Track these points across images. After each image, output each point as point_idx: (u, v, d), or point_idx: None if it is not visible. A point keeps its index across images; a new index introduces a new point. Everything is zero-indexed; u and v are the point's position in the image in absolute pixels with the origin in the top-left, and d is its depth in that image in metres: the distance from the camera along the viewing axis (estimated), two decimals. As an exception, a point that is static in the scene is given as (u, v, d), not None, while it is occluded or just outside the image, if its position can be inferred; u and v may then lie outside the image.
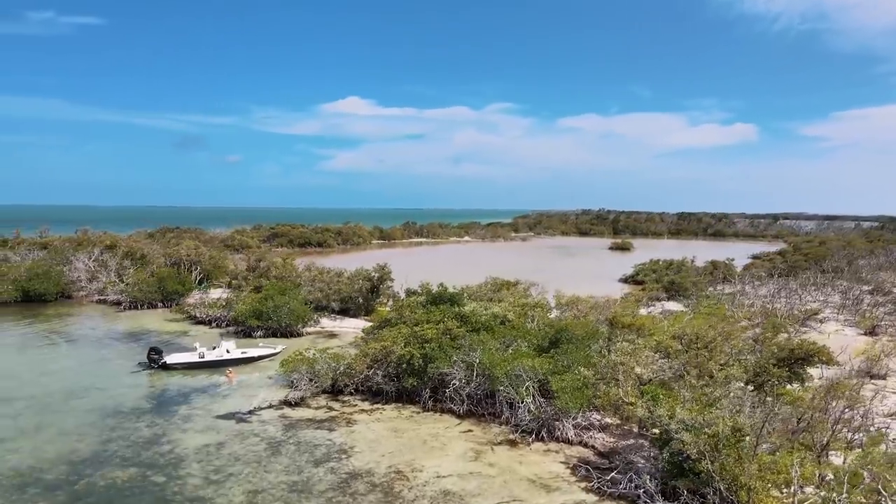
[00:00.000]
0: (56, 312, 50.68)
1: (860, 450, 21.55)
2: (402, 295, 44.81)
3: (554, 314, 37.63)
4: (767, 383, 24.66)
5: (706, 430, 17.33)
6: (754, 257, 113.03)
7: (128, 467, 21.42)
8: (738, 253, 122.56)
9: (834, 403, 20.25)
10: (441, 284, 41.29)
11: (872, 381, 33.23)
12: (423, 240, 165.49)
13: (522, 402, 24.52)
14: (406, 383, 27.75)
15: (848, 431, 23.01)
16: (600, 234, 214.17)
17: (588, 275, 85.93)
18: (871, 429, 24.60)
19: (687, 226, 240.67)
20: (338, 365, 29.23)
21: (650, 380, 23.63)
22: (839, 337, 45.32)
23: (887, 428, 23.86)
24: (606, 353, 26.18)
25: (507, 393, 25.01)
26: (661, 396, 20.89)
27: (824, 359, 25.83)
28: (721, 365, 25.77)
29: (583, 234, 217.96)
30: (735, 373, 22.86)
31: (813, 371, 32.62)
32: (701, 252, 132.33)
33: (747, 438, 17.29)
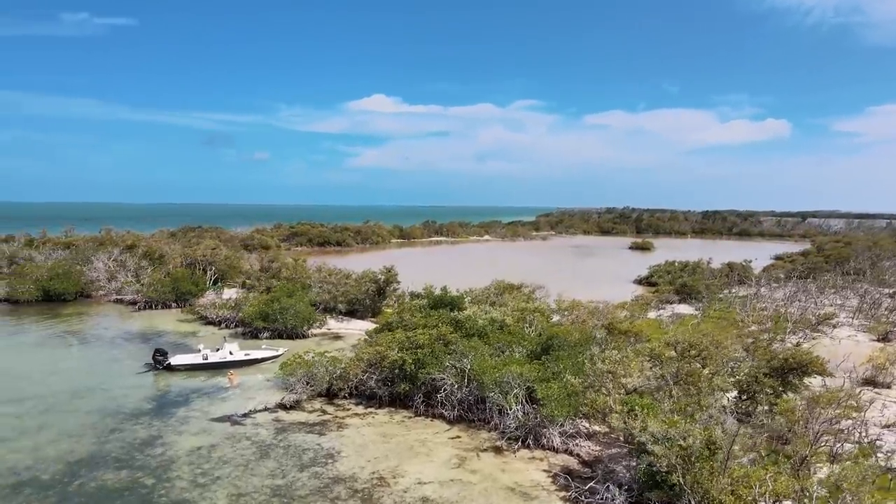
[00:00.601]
0: (74, 312, 52.03)
1: (849, 462, 21.34)
2: (408, 297, 45.12)
3: (556, 319, 37.59)
4: (759, 394, 24.44)
5: (678, 442, 17.30)
6: (776, 258, 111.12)
7: (120, 469, 22.05)
8: (763, 253, 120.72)
9: (815, 416, 19.99)
10: (444, 288, 41.59)
11: (876, 389, 32.68)
12: (443, 239, 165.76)
13: (510, 410, 24.65)
14: (399, 388, 28.06)
15: (837, 443, 22.78)
16: (622, 233, 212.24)
17: (603, 276, 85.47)
18: (865, 440, 24.29)
19: (711, 225, 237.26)
20: (334, 369, 29.65)
21: (635, 389, 23.56)
22: (850, 343, 44.54)
23: (877, 439, 23.48)
24: (596, 361, 26.09)
25: (496, 399, 25.16)
26: (639, 407, 20.85)
27: (816, 369, 25.40)
28: (711, 374, 25.61)
29: (605, 232, 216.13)
30: (720, 383, 22.68)
31: (813, 381, 32.28)
32: (724, 252, 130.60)
33: (721, 452, 17.22)
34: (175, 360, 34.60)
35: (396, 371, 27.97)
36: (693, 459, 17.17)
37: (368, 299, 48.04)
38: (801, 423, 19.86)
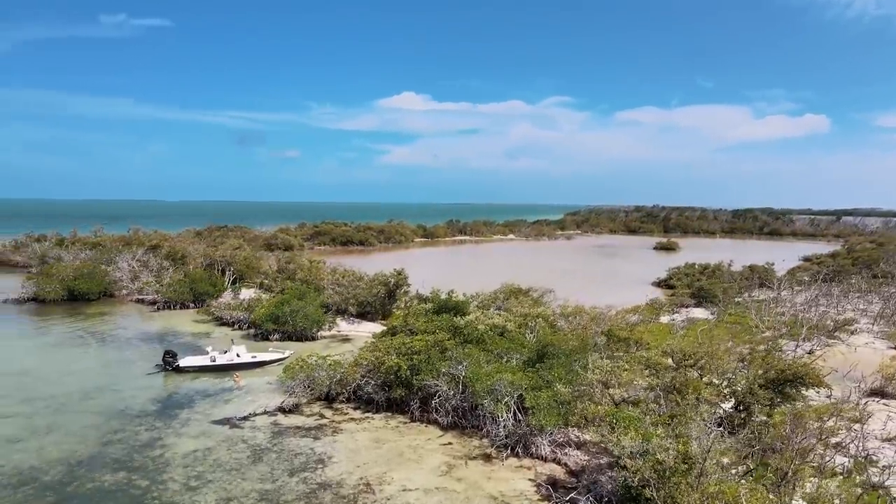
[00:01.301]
0: (96, 311, 53.56)
1: (832, 478, 21.04)
2: (415, 301, 45.44)
3: (561, 324, 37.53)
4: (753, 406, 24.19)
5: (653, 456, 17.30)
6: (805, 259, 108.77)
7: (118, 471, 22.81)
8: (793, 254, 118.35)
9: (800, 430, 19.74)
10: (450, 292, 41.83)
11: (884, 401, 31.98)
12: (467, 238, 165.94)
13: (500, 418, 24.81)
14: (395, 394, 28.41)
15: (829, 456, 22.43)
16: (650, 232, 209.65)
17: (623, 277, 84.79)
18: (862, 454, 23.87)
19: (741, 224, 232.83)
20: (334, 373, 30.13)
21: (623, 399, 23.50)
22: (867, 350, 43.60)
23: (869, 454, 23.05)
24: (587, 370, 26.07)
25: (487, 407, 25.34)
26: (620, 419, 20.83)
27: (812, 381, 25.00)
28: (706, 384, 25.40)
29: (632, 232, 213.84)
30: (707, 395, 22.50)
31: (818, 392, 31.74)
32: (752, 253, 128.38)
33: (698, 466, 17.16)
34: (184, 361, 35.47)
35: (392, 377, 28.31)
36: (667, 474, 17.14)
37: (378, 302, 48.50)
38: (784, 437, 19.62)
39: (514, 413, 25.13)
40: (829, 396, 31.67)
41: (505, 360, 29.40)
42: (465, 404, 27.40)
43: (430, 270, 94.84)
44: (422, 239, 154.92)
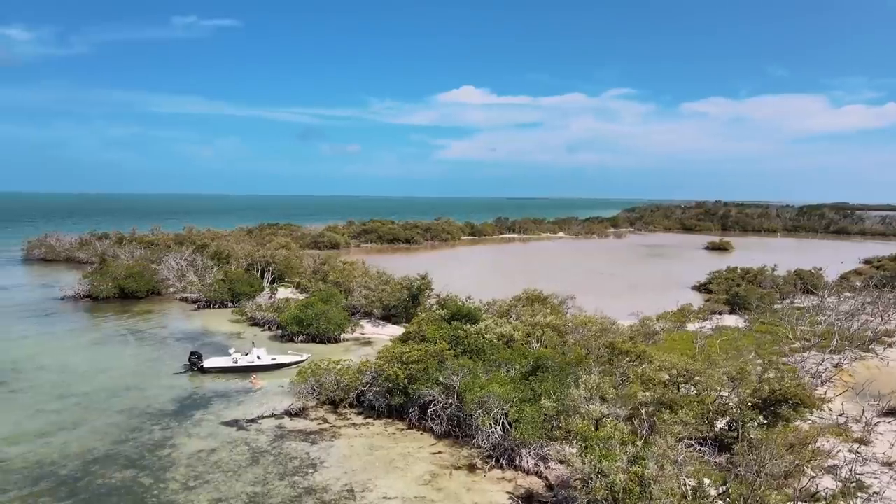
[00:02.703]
0: (141, 310, 56.80)
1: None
2: (436, 307, 46.28)
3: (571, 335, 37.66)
4: (738, 426, 24.01)
5: (607, 478, 17.65)
6: (865, 262, 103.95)
7: (127, 468, 24.62)
8: (856, 255, 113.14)
9: (768, 454, 19.61)
10: (468, 297, 42.56)
11: None
12: (515, 236, 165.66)
13: (488, 429, 25.41)
14: (394, 401, 29.41)
15: (815, 480, 22.11)
16: (707, 230, 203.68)
17: (663, 280, 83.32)
18: (855, 478, 23.35)
19: (806, 222, 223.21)
20: (341, 378, 31.38)
21: (604, 416, 23.72)
22: (901, 366, 41.82)
23: (855, 480, 22.51)
24: (577, 384, 26.33)
25: (476, 419, 25.99)
26: (591, 437, 21.11)
27: (802, 402, 24.56)
28: (693, 401, 25.32)
29: (687, 230, 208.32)
30: (684, 416, 22.49)
31: (828, 409, 30.94)
32: (812, 253, 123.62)
33: (648, 490, 17.41)
34: (208, 362, 37.47)
35: (390, 385, 29.30)
36: (620, 496, 17.48)
37: (402, 306, 49.62)
38: (749, 462, 19.54)
39: (503, 425, 25.70)
40: (840, 415, 30.88)
41: (504, 371, 29.91)
42: (460, 414, 28.12)
43: (471, 269, 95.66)
44: (469, 237, 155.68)
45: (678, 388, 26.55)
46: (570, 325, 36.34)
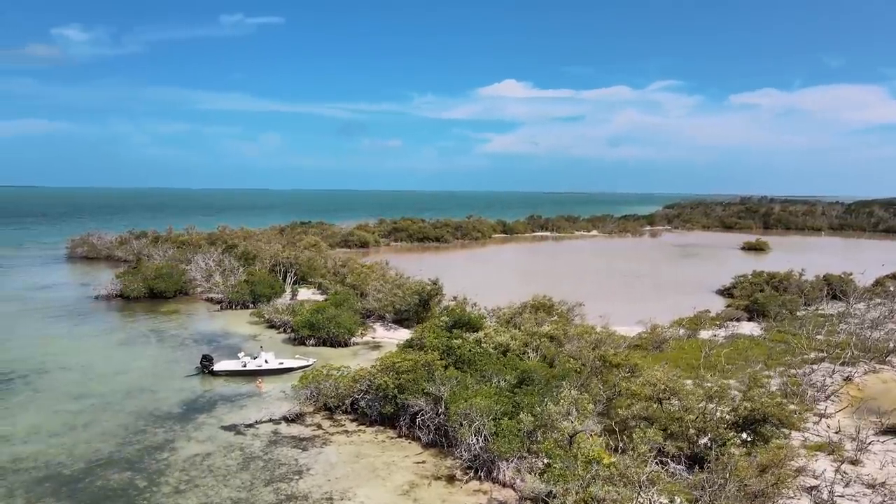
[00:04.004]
0: (168, 310, 59.10)
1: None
2: (444, 312, 46.93)
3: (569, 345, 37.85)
4: (712, 445, 24.04)
5: (555, 499, 18.09)
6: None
7: (126, 470, 26.04)
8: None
9: (735, 473, 19.72)
10: (474, 304, 43.11)
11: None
12: (547, 234, 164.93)
13: (468, 441, 25.99)
14: (384, 410, 30.24)
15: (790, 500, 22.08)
16: (747, 229, 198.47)
17: (689, 283, 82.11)
18: (832, 501, 23.20)
19: (853, 220, 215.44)
20: (338, 385, 32.37)
21: (577, 432, 24.03)
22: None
23: (840, 497, 22.37)
24: (563, 399, 26.68)
25: (458, 431, 26.59)
26: (553, 454, 21.50)
27: (780, 421, 24.40)
28: (676, 419, 25.41)
29: (727, 228, 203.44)
30: (651, 435, 22.63)
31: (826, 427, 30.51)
32: (856, 254, 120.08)
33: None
34: (218, 366, 38.98)
35: (381, 394, 30.14)
36: (571, 517, 17.90)
37: (413, 310, 50.45)
38: (713, 483, 19.69)
39: (486, 437, 26.24)
40: (836, 432, 30.40)
41: (494, 382, 30.41)
42: (447, 424, 28.76)
43: (494, 270, 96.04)
44: (501, 235, 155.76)
45: (661, 404, 26.65)
46: (569, 334, 36.51)
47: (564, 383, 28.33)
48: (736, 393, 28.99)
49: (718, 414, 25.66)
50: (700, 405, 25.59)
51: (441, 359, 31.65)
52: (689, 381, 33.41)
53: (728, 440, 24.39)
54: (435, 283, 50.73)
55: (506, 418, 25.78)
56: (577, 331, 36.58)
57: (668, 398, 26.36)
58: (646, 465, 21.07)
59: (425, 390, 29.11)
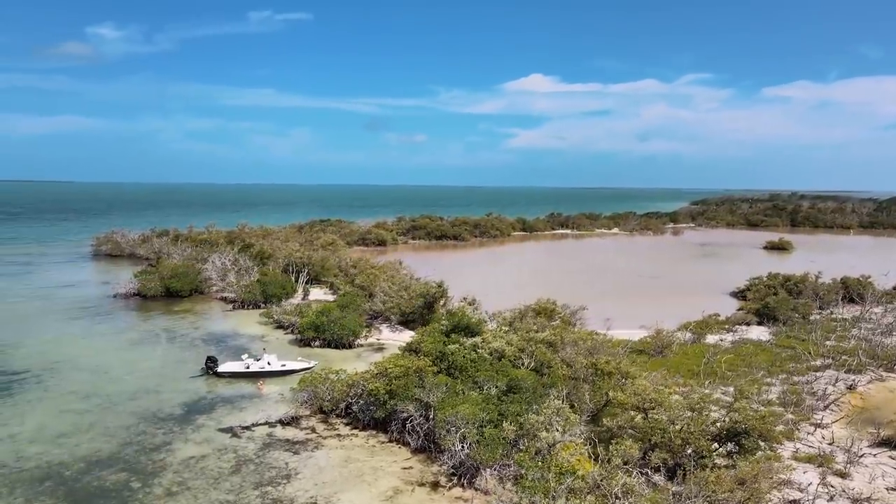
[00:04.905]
0: (182, 309, 60.47)
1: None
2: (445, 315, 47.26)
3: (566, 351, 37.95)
4: (688, 458, 24.07)
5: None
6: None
7: (123, 471, 26.91)
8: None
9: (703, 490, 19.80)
10: (475, 308, 43.36)
11: (892, 452, 29.64)
12: (568, 232, 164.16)
13: (454, 447, 26.37)
14: (376, 414, 30.77)
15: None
16: (773, 226, 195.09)
17: (703, 285, 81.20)
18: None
19: (885, 217, 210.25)
20: (334, 389, 33.00)
21: (556, 443, 24.25)
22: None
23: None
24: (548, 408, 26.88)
25: (442, 437, 26.98)
26: (526, 466, 21.75)
27: (761, 434, 24.30)
28: (659, 430, 25.47)
29: (752, 226, 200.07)
30: (626, 447, 22.74)
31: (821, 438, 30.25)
32: (887, 254, 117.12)
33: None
34: (222, 367, 39.90)
35: (373, 399, 30.66)
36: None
37: (418, 313, 50.91)
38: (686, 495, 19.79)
39: (470, 444, 26.59)
40: (830, 443, 30.09)
41: (485, 388, 30.73)
42: (436, 430, 29.16)
43: (507, 269, 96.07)
44: (520, 232, 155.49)
45: (646, 414, 26.72)
46: (566, 340, 36.65)
47: (552, 392, 28.51)
48: (728, 402, 28.88)
49: (702, 426, 25.61)
50: (685, 416, 25.59)
51: (434, 364, 32.04)
52: (685, 389, 33.36)
53: (710, 453, 24.39)
54: (440, 286, 51.11)
55: (491, 426, 26.09)
56: (573, 337, 36.66)
57: (654, 408, 26.38)
58: (619, 477, 21.25)
59: (415, 396, 29.53)
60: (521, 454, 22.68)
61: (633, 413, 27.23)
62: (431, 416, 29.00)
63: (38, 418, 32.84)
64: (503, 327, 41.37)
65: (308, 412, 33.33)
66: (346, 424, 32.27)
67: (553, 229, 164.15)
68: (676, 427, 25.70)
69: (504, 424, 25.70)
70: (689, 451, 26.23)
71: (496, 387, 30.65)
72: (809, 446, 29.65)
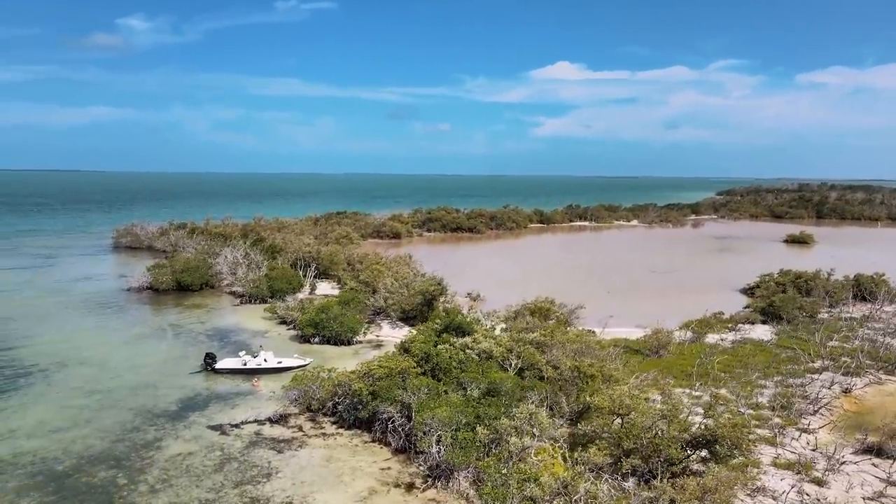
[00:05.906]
0: (191, 303, 61.76)
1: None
2: (443, 312, 47.62)
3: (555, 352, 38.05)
4: (658, 464, 24.17)
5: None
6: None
7: (112, 468, 27.87)
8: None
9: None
10: (471, 307, 43.61)
11: (876, 460, 29.23)
12: (586, 223, 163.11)
13: (430, 449, 26.83)
14: (360, 415, 31.33)
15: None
16: (798, 218, 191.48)
17: (716, 281, 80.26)
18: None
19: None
20: (321, 388, 33.65)
21: (526, 448, 24.51)
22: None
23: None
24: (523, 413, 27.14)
25: (419, 439, 27.44)
26: (490, 472, 22.07)
27: (731, 443, 24.26)
28: (633, 436, 25.59)
29: (777, 218, 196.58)
30: (591, 454, 22.91)
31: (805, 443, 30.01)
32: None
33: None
34: (220, 364, 40.82)
35: (356, 399, 31.22)
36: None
37: (417, 310, 51.35)
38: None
39: (445, 447, 27.00)
40: (814, 449, 29.86)
41: (468, 390, 31.07)
42: (417, 431, 29.63)
43: (517, 263, 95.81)
44: (537, 225, 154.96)
45: (622, 420, 26.84)
46: (555, 341, 36.77)
47: (530, 395, 28.76)
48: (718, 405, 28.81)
49: (674, 433, 25.66)
50: (658, 423, 25.66)
51: (419, 366, 32.48)
52: (668, 392, 33.32)
53: (680, 460, 24.48)
54: (439, 284, 51.47)
55: (467, 429, 26.46)
56: (562, 338, 36.76)
57: (629, 413, 26.48)
58: (582, 484, 21.48)
59: (397, 398, 30.00)
60: (486, 460, 23.01)
61: (611, 418, 27.37)
62: (414, 417, 29.47)
63: (39, 414, 34.03)
64: (495, 327, 41.63)
65: (297, 410, 34.05)
66: (333, 423, 32.88)
67: (570, 221, 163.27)
68: (650, 434, 25.79)
69: (478, 428, 26.03)
70: (661, 458, 26.37)
71: (478, 389, 31.00)
72: (792, 452, 29.46)
